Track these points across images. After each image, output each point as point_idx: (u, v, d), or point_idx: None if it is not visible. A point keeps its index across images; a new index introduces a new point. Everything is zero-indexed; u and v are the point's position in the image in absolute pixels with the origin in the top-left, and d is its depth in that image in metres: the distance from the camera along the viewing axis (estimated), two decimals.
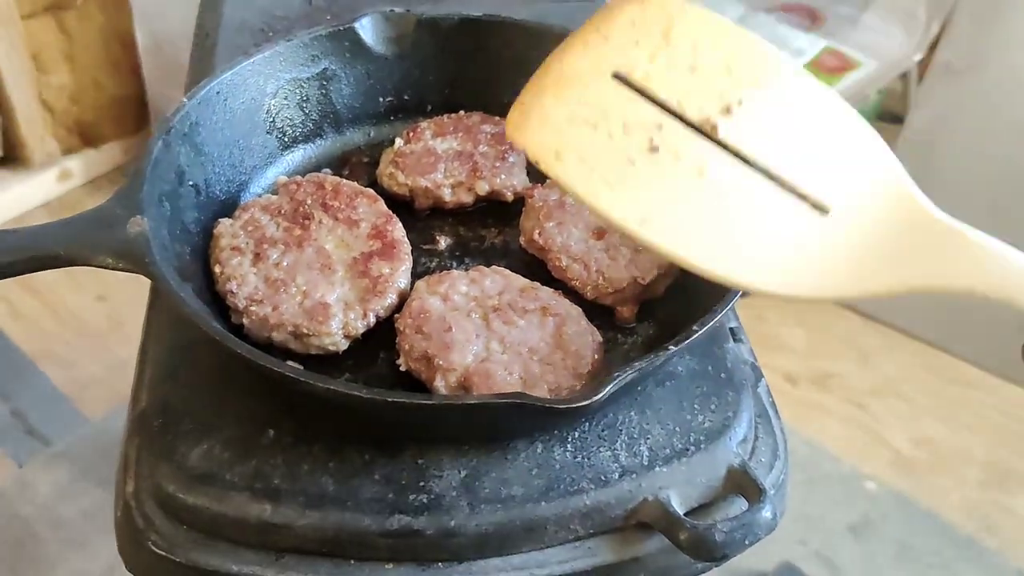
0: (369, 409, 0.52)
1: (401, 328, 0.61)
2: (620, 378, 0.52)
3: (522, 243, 0.70)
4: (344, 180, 0.70)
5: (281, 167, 0.74)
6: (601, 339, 0.63)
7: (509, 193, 0.73)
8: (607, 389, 0.51)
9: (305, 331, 0.61)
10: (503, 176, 0.73)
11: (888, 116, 2.14)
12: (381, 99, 0.79)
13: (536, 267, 0.69)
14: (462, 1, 0.90)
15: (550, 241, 0.67)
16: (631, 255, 0.67)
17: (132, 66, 2.04)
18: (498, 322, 0.62)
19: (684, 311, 0.66)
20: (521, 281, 0.65)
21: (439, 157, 0.73)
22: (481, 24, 0.78)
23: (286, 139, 0.75)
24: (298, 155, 0.76)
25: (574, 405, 0.51)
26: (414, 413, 0.52)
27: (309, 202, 0.67)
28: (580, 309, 0.64)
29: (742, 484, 0.58)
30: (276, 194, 0.68)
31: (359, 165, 0.76)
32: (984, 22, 1.60)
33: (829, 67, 1.88)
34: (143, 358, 0.64)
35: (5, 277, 0.55)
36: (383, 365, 0.63)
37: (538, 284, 0.65)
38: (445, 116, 0.77)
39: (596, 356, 0.61)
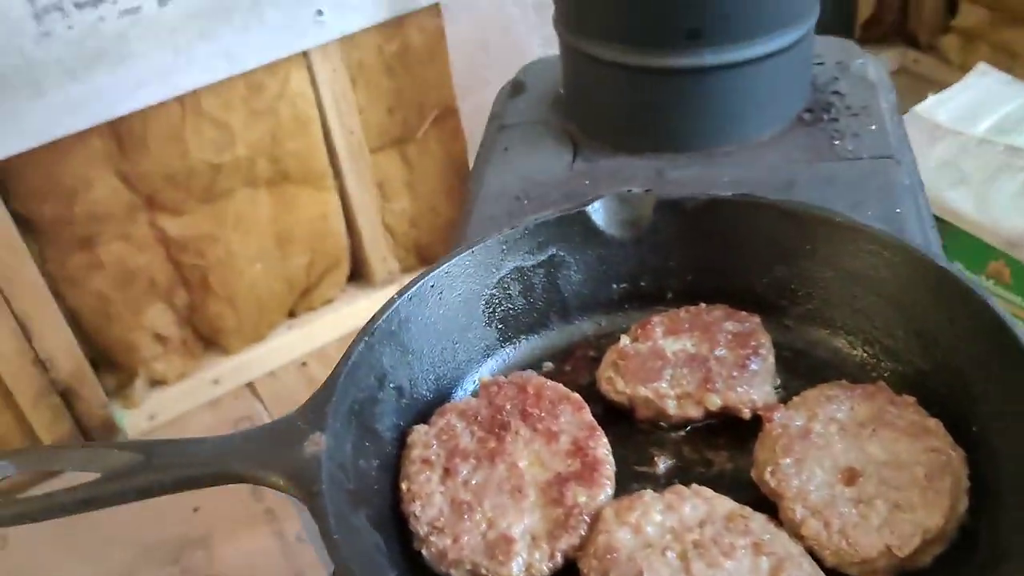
0: None
1: (585, 571, 0.53)
2: None
3: (752, 476, 0.58)
4: (549, 382, 0.63)
5: (500, 359, 0.69)
6: None
7: (747, 410, 0.61)
8: None
9: (484, 572, 0.54)
10: (741, 388, 0.61)
11: None
12: (615, 286, 0.71)
13: (773, 509, 0.56)
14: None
15: (783, 484, 0.55)
16: (888, 512, 0.52)
17: (466, 193, 2.15)
18: (700, 564, 0.51)
19: None
20: (728, 505, 0.54)
21: (667, 361, 0.63)
22: (731, 206, 0.68)
23: (508, 331, 0.70)
24: (521, 347, 0.70)
25: None
26: None
27: (508, 407, 0.61)
28: (802, 548, 0.52)
29: None
30: (477, 396, 0.63)
31: (584, 360, 0.69)
32: None
33: None
34: None
35: (188, 489, 0.55)
36: None
37: (749, 509, 0.53)
38: (682, 310, 0.67)
39: None
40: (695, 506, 0.54)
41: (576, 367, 0.69)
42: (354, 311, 2.16)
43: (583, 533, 0.55)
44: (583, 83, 0.91)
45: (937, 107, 1.68)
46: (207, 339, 1.91)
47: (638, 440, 0.63)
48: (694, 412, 0.62)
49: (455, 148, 2.10)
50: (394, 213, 2.13)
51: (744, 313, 0.66)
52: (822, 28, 0.90)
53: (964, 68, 1.86)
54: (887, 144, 0.84)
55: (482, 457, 0.59)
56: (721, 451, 0.61)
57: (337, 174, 1.98)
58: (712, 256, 0.69)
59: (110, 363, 1.80)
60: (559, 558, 0.54)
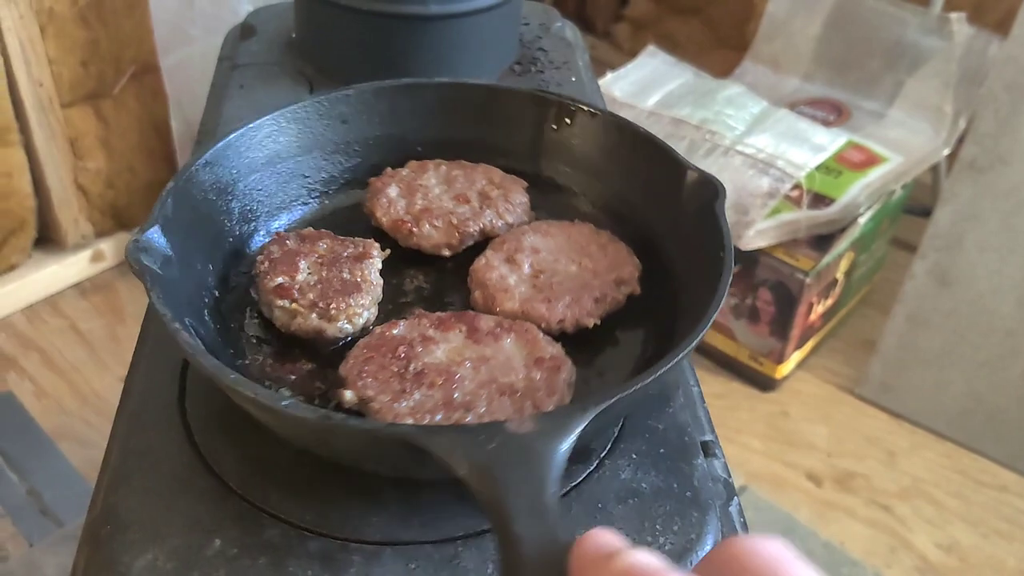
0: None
1: None
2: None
3: None
4: None
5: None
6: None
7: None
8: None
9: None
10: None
11: (918, 210, 2.10)
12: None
13: None
14: None
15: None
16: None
17: (166, 153, 2.10)
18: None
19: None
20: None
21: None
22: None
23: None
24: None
25: None
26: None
27: None
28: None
29: None
30: None
31: None
32: (1008, 120, 1.58)
33: (854, 162, 1.86)
34: (105, 463, 0.64)
35: None
36: None
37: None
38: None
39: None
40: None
41: None
42: (42, 278, 2.03)
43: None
44: (318, 26, 0.97)
45: (613, 83, 1.91)
46: None
47: None
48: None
49: (156, 106, 2.04)
50: (88, 172, 2.03)
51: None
52: None
53: (633, 54, 2.13)
54: (585, 93, 0.99)
55: None
56: None
57: (24, 128, 1.86)
58: None
59: None
60: None
